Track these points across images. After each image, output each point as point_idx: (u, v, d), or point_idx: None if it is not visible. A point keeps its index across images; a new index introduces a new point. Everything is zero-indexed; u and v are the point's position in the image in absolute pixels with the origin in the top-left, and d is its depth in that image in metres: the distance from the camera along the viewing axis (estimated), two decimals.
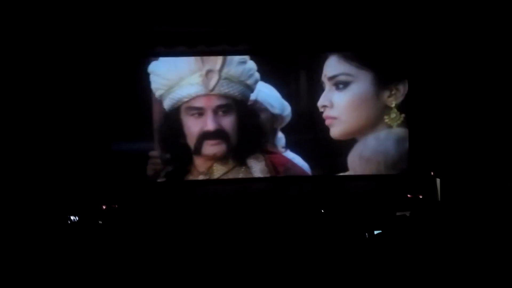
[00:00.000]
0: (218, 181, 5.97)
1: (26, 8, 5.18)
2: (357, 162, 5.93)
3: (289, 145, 6.05)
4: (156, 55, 5.91)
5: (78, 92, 5.69)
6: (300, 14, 5.61)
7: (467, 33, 5.62)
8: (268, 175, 6.01)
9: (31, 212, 4.70)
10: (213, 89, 5.83)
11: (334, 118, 5.83)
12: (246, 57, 5.89)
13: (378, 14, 5.61)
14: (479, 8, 5.42)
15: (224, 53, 5.87)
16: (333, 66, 5.88)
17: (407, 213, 4.22)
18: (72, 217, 4.57)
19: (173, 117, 5.89)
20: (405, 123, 5.90)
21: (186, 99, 5.85)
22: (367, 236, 3.21)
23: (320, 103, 5.85)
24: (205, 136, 5.85)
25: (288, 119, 5.98)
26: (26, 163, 5.50)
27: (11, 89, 5.50)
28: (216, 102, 5.84)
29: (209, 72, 5.82)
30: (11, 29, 5.31)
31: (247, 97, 5.90)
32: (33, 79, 5.56)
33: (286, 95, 6.02)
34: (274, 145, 6.00)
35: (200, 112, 5.82)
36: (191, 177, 6.06)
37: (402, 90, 5.85)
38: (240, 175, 6.09)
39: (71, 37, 5.58)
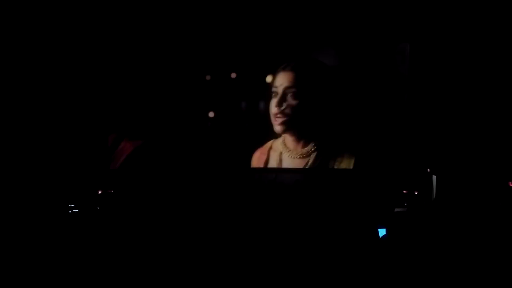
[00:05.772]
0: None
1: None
2: None
3: None
4: None
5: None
6: None
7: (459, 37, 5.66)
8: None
9: (30, 203, 4.67)
10: None
11: None
12: None
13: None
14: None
15: None
16: None
17: (404, 210, 4.26)
18: (71, 207, 4.55)
19: None
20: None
21: None
22: (370, 233, 3.24)
23: None
24: None
25: None
26: (20, 155, 5.47)
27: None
28: None
29: None
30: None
31: None
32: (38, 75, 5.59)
33: None
34: None
35: None
36: None
37: None
38: None
39: None
